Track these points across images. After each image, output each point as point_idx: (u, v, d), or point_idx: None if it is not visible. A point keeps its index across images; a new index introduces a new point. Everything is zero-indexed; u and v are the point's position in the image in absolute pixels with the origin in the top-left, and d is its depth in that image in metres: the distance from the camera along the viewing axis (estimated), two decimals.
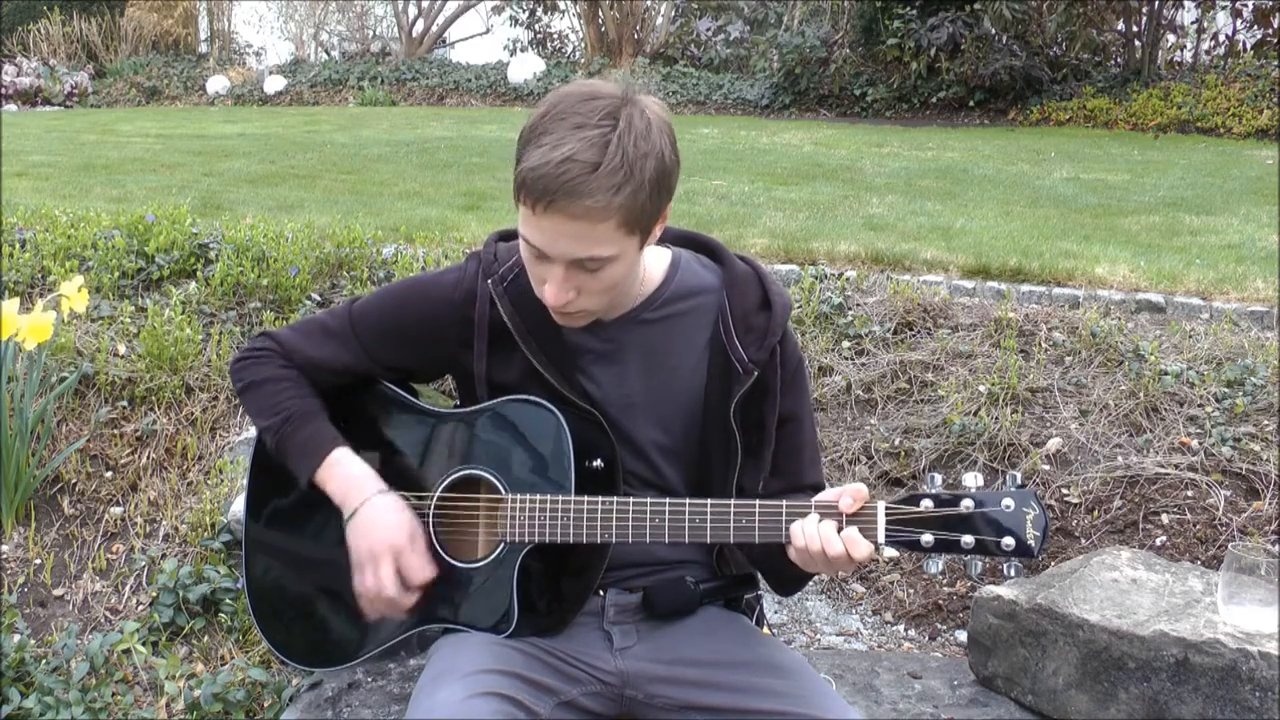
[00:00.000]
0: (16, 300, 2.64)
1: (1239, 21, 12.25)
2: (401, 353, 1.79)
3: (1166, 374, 3.23)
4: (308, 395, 1.79)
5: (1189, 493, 2.87)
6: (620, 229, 1.50)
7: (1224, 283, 4.18)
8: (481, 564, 1.71)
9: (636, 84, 1.56)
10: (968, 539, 1.50)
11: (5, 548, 2.80)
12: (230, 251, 3.80)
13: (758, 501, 1.60)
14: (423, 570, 1.70)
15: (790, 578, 1.72)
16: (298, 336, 1.83)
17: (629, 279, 1.62)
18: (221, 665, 2.48)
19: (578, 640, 1.73)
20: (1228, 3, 12.21)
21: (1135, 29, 11.98)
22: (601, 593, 1.75)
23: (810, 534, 1.53)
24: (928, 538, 1.51)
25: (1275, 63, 10.91)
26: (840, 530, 1.53)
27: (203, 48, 17.23)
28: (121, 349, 3.29)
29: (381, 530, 1.69)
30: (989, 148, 9.08)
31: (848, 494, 1.54)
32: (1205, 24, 12.69)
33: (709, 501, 1.60)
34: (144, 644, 2.45)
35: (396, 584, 1.69)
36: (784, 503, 1.59)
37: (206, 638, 2.57)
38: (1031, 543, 1.50)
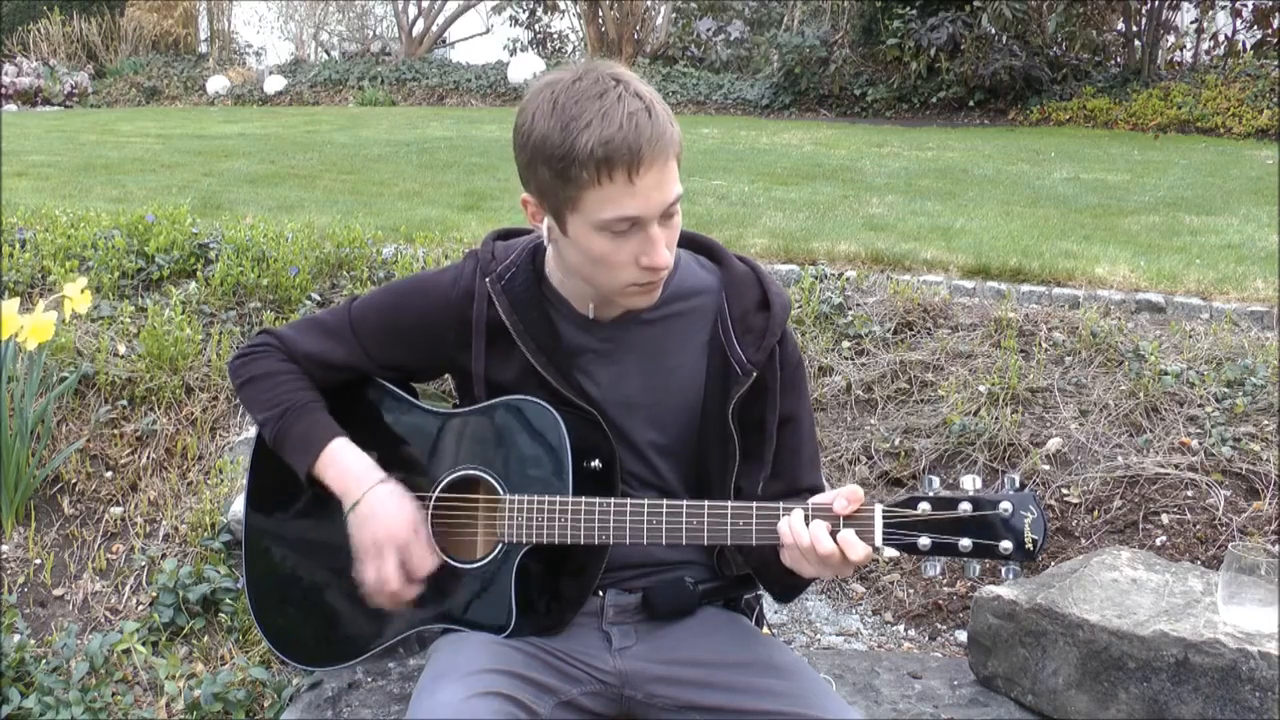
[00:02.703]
0: (16, 300, 2.64)
1: (1239, 21, 12.25)
2: (399, 352, 1.79)
3: (1166, 374, 3.23)
4: (306, 388, 1.79)
5: (1189, 493, 2.87)
6: (677, 160, 1.55)
7: (1224, 283, 4.18)
8: (480, 564, 1.71)
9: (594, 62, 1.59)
10: (965, 542, 1.50)
11: (5, 548, 2.80)
12: (230, 251, 3.80)
13: (755, 503, 1.59)
14: (427, 562, 1.69)
15: (787, 584, 1.70)
16: (297, 334, 1.83)
17: None
18: (221, 665, 2.48)
19: (577, 640, 1.72)
20: (1227, 3, 12.21)
21: (1135, 29, 11.99)
22: (600, 593, 1.75)
23: (799, 531, 1.53)
24: (925, 540, 1.50)
25: (1275, 63, 10.91)
26: (836, 532, 1.52)
27: (203, 48, 17.26)
28: (121, 349, 3.29)
29: (384, 522, 1.69)
30: (989, 148, 9.08)
31: (842, 496, 1.53)
32: (1205, 24, 12.69)
33: (706, 503, 1.60)
34: (144, 644, 2.45)
35: (401, 577, 1.68)
36: (781, 504, 1.58)
37: (206, 638, 2.57)
38: (1030, 546, 1.49)
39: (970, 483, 1.51)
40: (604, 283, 1.62)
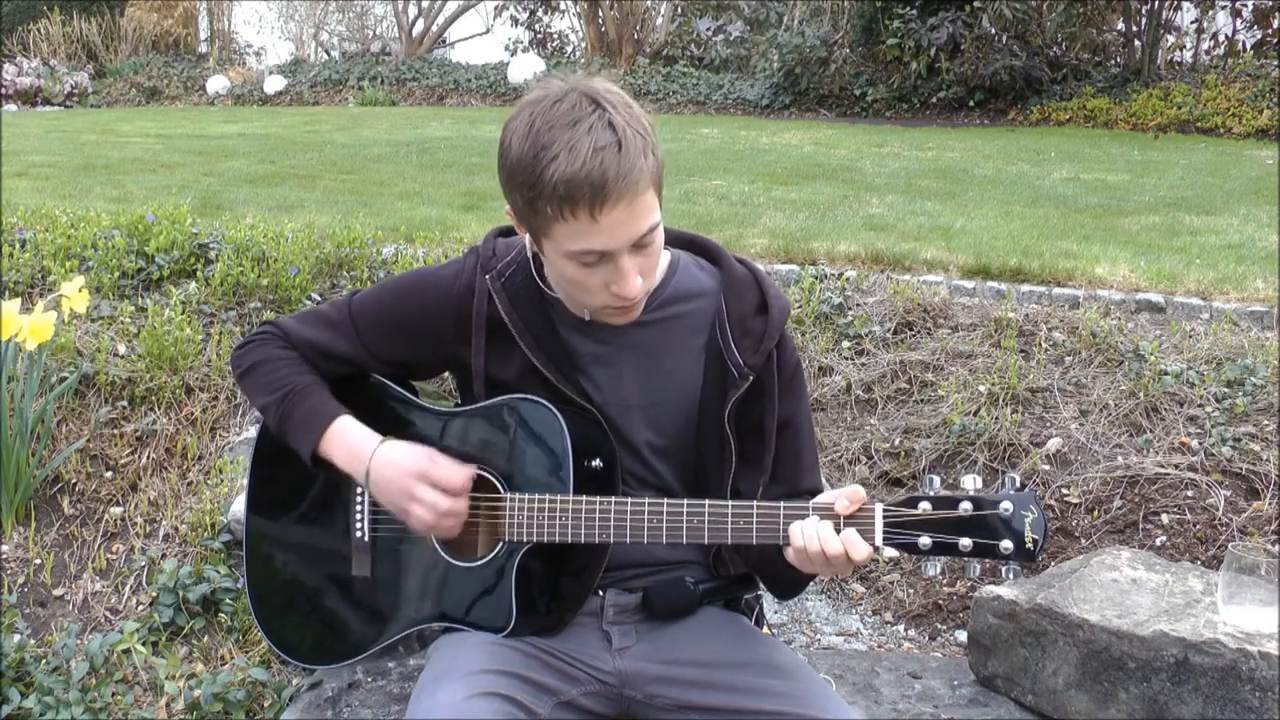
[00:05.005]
0: (17, 300, 2.64)
1: (1239, 21, 12.25)
2: (399, 346, 1.79)
3: (1166, 374, 3.23)
4: (307, 372, 1.78)
5: (1189, 493, 2.87)
6: (653, 190, 1.53)
7: (1224, 283, 4.18)
8: (481, 563, 1.71)
9: (572, 73, 1.59)
10: (965, 542, 1.50)
11: (5, 548, 2.80)
12: (230, 251, 3.80)
13: (756, 503, 1.60)
14: (457, 475, 1.67)
15: (788, 582, 1.71)
16: (298, 324, 1.83)
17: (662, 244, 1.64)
18: (221, 665, 2.48)
19: (577, 640, 1.72)
20: (1227, 3, 12.21)
21: (1135, 29, 11.98)
22: (601, 593, 1.75)
23: (810, 534, 1.53)
24: (925, 540, 1.51)
25: (1275, 63, 10.91)
26: (838, 532, 1.53)
27: (203, 48, 17.25)
28: (121, 349, 3.29)
29: (397, 468, 1.67)
30: (989, 148, 9.07)
31: (844, 496, 1.53)
32: (1205, 24, 12.69)
33: (707, 502, 1.60)
34: (144, 644, 2.45)
35: (442, 497, 1.66)
36: (782, 504, 1.59)
37: (206, 638, 2.57)
38: (1030, 546, 1.49)
39: (971, 482, 1.52)
40: (581, 301, 1.65)
